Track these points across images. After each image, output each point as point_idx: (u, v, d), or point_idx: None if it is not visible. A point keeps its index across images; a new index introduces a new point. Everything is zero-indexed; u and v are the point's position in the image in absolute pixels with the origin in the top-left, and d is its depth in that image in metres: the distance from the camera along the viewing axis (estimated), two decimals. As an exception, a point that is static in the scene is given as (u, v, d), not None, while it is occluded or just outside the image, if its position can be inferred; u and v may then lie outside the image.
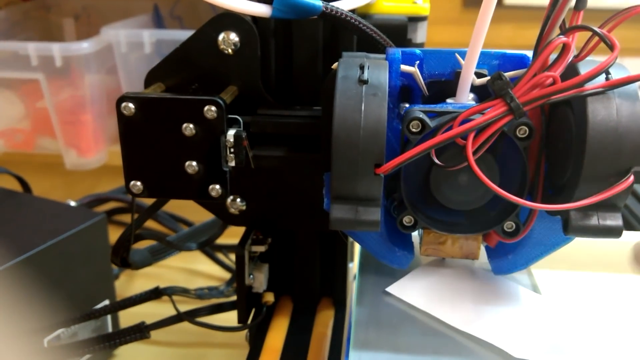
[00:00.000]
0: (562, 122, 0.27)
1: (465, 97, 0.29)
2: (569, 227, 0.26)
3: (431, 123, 0.27)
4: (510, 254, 0.30)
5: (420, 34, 0.39)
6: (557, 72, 0.24)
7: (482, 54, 0.30)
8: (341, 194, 0.26)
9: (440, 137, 0.25)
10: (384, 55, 0.30)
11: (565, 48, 0.24)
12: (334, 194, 0.26)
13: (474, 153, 0.25)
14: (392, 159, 0.26)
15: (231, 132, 0.31)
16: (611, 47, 0.24)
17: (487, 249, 0.31)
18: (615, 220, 0.25)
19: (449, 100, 0.31)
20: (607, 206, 0.25)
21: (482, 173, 0.24)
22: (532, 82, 0.24)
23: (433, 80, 0.31)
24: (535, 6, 0.79)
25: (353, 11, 0.34)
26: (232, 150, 0.31)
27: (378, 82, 0.26)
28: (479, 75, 0.29)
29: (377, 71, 0.26)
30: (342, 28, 0.34)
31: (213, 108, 0.30)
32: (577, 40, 0.26)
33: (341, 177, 0.26)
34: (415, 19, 0.38)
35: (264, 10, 0.30)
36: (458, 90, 0.30)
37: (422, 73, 0.31)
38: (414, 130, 0.27)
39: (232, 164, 0.31)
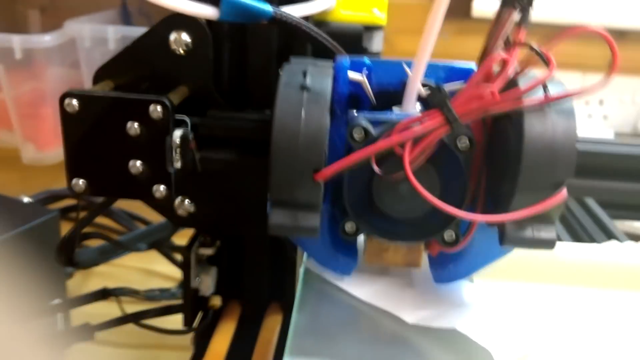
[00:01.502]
0: (502, 135, 0.27)
1: (411, 107, 0.29)
2: (505, 238, 0.26)
3: (374, 131, 0.27)
4: (452, 263, 0.31)
5: (376, 43, 0.39)
6: (497, 86, 0.25)
7: (430, 65, 0.30)
8: (280, 199, 0.26)
9: (376, 146, 0.25)
10: (332, 63, 0.30)
11: (504, 63, 0.25)
12: (273, 199, 0.26)
13: (413, 163, 0.25)
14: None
15: (177, 133, 0.31)
16: (547, 64, 0.24)
17: (430, 257, 0.32)
18: (549, 232, 0.26)
19: (395, 109, 0.31)
20: (541, 219, 0.26)
21: (418, 183, 0.25)
22: (470, 94, 0.25)
23: (382, 90, 0.31)
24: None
25: (307, 18, 0.34)
26: (178, 151, 0.31)
27: (320, 88, 0.26)
28: (426, 87, 0.29)
29: (319, 78, 0.26)
30: (294, 34, 0.34)
31: (159, 108, 0.30)
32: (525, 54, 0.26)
33: (280, 182, 0.26)
34: (371, 28, 0.39)
35: (211, 12, 0.30)
36: (404, 99, 0.30)
37: (371, 82, 0.31)
38: (357, 137, 0.27)
39: (178, 165, 0.31)
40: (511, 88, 0.25)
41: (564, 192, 0.25)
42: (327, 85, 0.26)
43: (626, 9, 0.85)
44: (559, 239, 0.45)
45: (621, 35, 0.87)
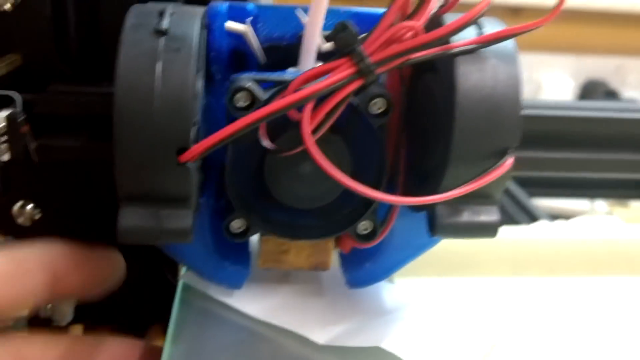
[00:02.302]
0: (426, 92, 0.21)
1: (310, 65, 0.23)
2: (436, 226, 0.20)
3: (263, 95, 0.20)
4: (368, 261, 0.24)
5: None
6: (420, 22, 0.19)
7: (331, 12, 0.24)
8: (134, 192, 0.19)
9: (264, 110, 0.18)
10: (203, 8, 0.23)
11: (427, -8, 0.19)
12: (122, 192, 0.19)
13: (315, 131, 0.19)
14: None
15: (2, 115, 0.23)
16: (482, -10, 0.18)
17: (341, 256, 0.25)
18: (490, 214, 0.20)
19: (291, 69, 0.24)
20: (481, 197, 0.20)
21: (323, 157, 0.18)
22: (386, 35, 0.18)
23: (273, 45, 0.24)
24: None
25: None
26: (5, 139, 0.23)
27: (183, 33, 0.19)
28: (328, 39, 0.23)
29: (183, 20, 0.19)
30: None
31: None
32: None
33: (130, 169, 0.18)
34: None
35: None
36: (301, 55, 0.23)
37: (258, 35, 0.24)
38: (240, 104, 0.20)
39: (6, 157, 0.23)
40: (436, 27, 0.19)
41: (508, 162, 0.19)
42: (193, 28, 0.19)
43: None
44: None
45: (515, 12, 0.86)
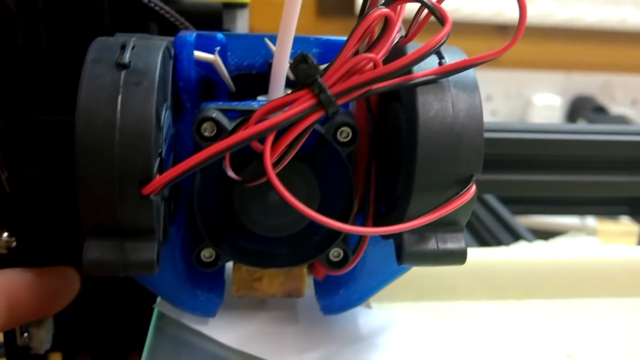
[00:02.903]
0: (393, 120, 0.21)
1: (279, 93, 0.23)
2: (402, 254, 0.20)
3: (229, 125, 0.20)
4: (342, 288, 0.24)
5: (241, 23, 0.33)
6: (380, 54, 0.19)
7: (300, 40, 0.24)
8: (98, 225, 0.19)
9: (225, 142, 0.18)
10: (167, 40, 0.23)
11: (388, 23, 0.19)
12: (86, 226, 0.19)
13: (279, 162, 0.19)
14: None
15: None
16: (442, 21, 0.19)
17: (316, 283, 0.25)
18: (457, 242, 0.20)
19: (260, 98, 0.25)
20: (447, 225, 0.20)
21: (285, 189, 0.18)
22: (347, 66, 0.18)
23: (243, 73, 0.25)
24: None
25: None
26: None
27: (145, 66, 0.19)
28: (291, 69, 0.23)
29: (145, 52, 0.19)
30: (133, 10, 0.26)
31: None
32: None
33: (92, 202, 0.18)
34: (232, 6, 0.32)
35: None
36: (270, 84, 0.24)
37: (227, 63, 0.24)
38: (206, 134, 0.20)
39: None
40: (398, 57, 0.19)
41: (472, 189, 0.19)
42: (155, 61, 0.19)
43: (507, 3, 0.85)
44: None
45: (502, 30, 0.87)
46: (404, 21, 0.20)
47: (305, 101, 0.18)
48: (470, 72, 0.20)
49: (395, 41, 0.20)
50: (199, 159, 0.18)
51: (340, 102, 0.18)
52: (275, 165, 0.19)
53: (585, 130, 0.37)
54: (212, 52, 0.23)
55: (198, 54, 0.23)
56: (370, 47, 0.19)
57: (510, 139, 0.33)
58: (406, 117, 0.20)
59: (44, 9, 0.26)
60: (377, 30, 0.20)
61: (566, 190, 0.36)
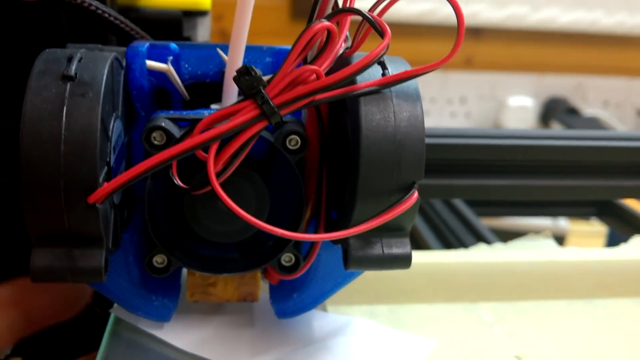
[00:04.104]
0: (341, 129, 0.22)
1: (232, 101, 0.23)
2: (349, 259, 0.20)
3: (178, 133, 0.21)
4: (296, 292, 0.25)
5: (202, 32, 0.33)
6: (323, 66, 0.19)
7: (252, 49, 0.24)
8: (45, 233, 0.19)
9: (170, 151, 0.18)
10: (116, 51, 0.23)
11: (330, 36, 0.19)
12: (33, 234, 0.19)
13: (224, 171, 0.19)
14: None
15: None
16: (381, 34, 0.19)
17: (271, 287, 0.26)
18: (402, 247, 0.21)
19: (213, 106, 0.25)
20: (392, 230, 0.21)
21: (229, 197, 0.18)
22: (290, 77, 0.19)
23: (197, 82, 0.25)
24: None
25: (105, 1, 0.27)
26: None
27: (91, 78, 0.19)
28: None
29: (92, 64, 0.19)
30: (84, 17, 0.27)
31: None
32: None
33: (39, 210, 0.18)
34: (193, 14, 0.32)
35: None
36: (223, 93, 0.24)
37: (180, 72, 0.24)
38: (156, 142, 0.21)
39: None
40: (344, 67, 0.20)
41: (415, 195, 0.20)
42: (101, 72, 0.19)
43: (481, 7, 0.86)
44: (428, 247, 0.41)
45: (477, 32, 0.88)
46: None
47: (249, 112, 0.19)
48: (412, 82, 0.20)
49: (341, 52, 0.21)
50: (143, 167, 0.18)
51: (283, 112, 0.19)
52: (220, 174, 0.19)
53: (555, 135, 0.38)
54: (165, 61, 0.24)
55: (150, 63, 0.23)
56: (313, 59, 0.19)
57: (480, 145, 0.34)
58: (350, 126, 0.20)
59: (0, 19, 0.27)
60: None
61: (535, 195, 0.37)
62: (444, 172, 0.36)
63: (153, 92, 0.24)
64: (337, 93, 0.19)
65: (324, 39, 0.20)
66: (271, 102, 0.19)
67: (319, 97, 0.19)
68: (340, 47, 0.20)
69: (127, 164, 0.23)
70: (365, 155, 0.19)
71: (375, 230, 0.20)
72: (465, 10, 0.86)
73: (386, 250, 0.21)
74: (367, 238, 0.20)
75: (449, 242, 0.41)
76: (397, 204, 0.20)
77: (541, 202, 0.50)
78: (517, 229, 0.71)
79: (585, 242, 0.74)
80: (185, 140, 0.19)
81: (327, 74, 0.20)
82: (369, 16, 0.19)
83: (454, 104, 0.91)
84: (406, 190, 0.20)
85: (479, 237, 0.41)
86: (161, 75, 0.24)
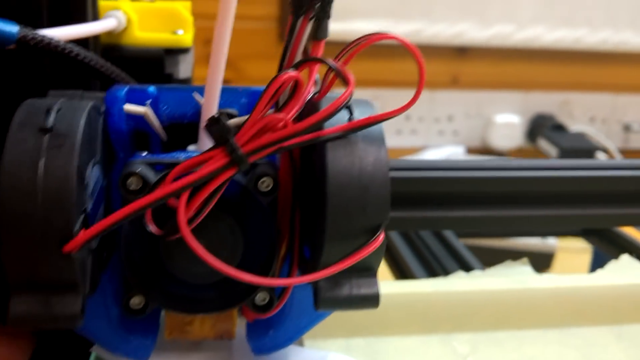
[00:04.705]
0: (311, 171, 0.22)
1: (208, 143, 0.24)
2: (319, 301, 0.21)
3: (154, 178, 0.21)
4: (272, 329, 0.25)
5: (184, 68, 0.34)
6: (291, 113, 0.20)
7: (228, 91, 0.25)
8: (23, 281, 0.19)
9: (140, 202, 0.19)
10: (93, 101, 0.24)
11: (297, 85, 0.20)
12: (12, 281, 0.19)
13: (197, 216, 0.20)
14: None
15: None
16: (346, 82, 0.20)
17: (247, 324, 0.26)
18: (370, 287, 0.21)
19: (190, 147, 0.26)
20: (361, 270, 0.21)
21: (199, 244, 0.19)
22: (258, 125, 0.20)
23: (175, 124, 0.26)
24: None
25: (87, 42, 0.28)
26: None
27: (67, 129, 0.20)
28: (229, 116, 0.24)
29: (69, 114, 0.20)
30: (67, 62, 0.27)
31: None
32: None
33: (16, 260, 0.19)
34: (174, 52, 0.33)
35: None
36: (200, 135, 0.25)
37: (160, 114, 0.25)
38: (132, 188, 0.21)
39: None
40: (313, 112, 0.20)
41: (381, 237, 0.21)
42: (77, 123, 0.20)
43: (466, 27, 0.87)
44: (412, 276, 0.42)
45: (462, 51, 0.89)
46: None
47: (219, 160, 0.19)
48: (378, 127, 0.21)
49: (309, 97, 0.22)
50: (117, 217, 0.19)
51: (252, 159, 0.20)
52: (192, 220, 0.20)
53: (536, 166, 0.38)
54: (143, 104, 0.24)
55: (128, 107, 0.24)
56: (281, 107, 0.20)
57: (461, 177, 0.34)
58: (318, 171, 0.21)
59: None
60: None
61: (519, 225, 0.38)
62: (428, 205, 0.37)
63: (132, 134, 0.25)
64: (305, 139, 0.20)
65: (293, 86, 0.20)
66: (239, 151, 0.19)
67: (287, 143, 0.20)
68: (309, 93, 0.21)
69: (107, 206, 0.24)
70: (332, 200, 0.20)
71: (344, 271, 0.21)
72: (451, 30, 0.88)
73: (355, 291, 0.21)
74: (336, 279, 0.21)
75: (431, 266, 0.41)
76: (364, 246, 0.20)
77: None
78: (504, 246, 0.72)
79: (574, 258, 0.74)
80: (157, 189, 0.19)
81: (298, 117, 0.20)
82: (334, 65, 0.20)
83: (441, 123, 0.92)
84: (373, 232, 0.20)
85: (460, 262, 0.42)
86: (140, 117, 0.25)
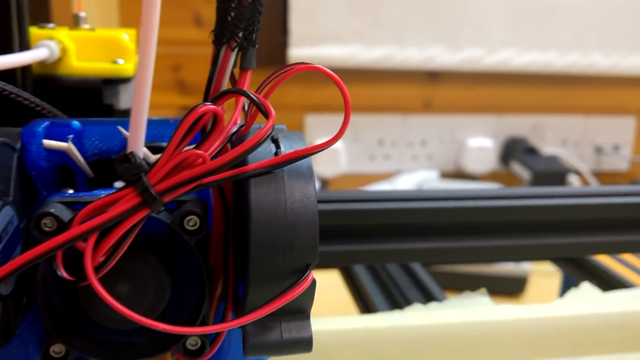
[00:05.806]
0: (240, 208, 0.21)
1: (136, 178, 0.23)
2: (246, 347, 0.20)
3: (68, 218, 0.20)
4: (208, 374, 0.24)
5: (125, 98, 0.33)
6: (211, 149, 0.19)
7: (157, 123, 0.24)
8: None
9: (46, 245, 0.18)
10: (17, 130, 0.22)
11: (217, 119, 0.19)
12: None
13: (107, 261, 0.19)
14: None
15: None
16: (266, 115, 0.19)
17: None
18: (302, 330, 0.20)
19: (116, 184, 0.24)
20: (291, 313, 0.20)
21: (104, 291, 0.18)
22: (173, 162, 0.18)
23: (101, 159, 0.24)
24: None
25: (11, 73, 0.27)
26: None
27: (-33, 169, 0.18)
28: (157, 149, 0.23)
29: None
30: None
31: None
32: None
33: None
34: (114, 81, 0.32)
35: None
36: (127, 170, 0.24)
37: (84, 149, 0.24)
38: (47, 229, 0.20)
39: None
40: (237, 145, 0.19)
41: (310, 277, 0.19)
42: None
43: (437, 51, 0.87)
44: (375, 308, 0.40)
45: (433, 76, 0.89)
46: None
47: (129, 200, 0.18)
48: (306, 161, 0.20)
49: (234, 130, 0.20)
50: (20, 261, 0.18)
51: (166, 198, 0.18)
52: (103, 264, 0.18)
53: (506, 195, 0.37)
54: (66, 139, 0.23)
55: (48, 142, 0.23)
56: (199, 143, 0.19)
57: (428, 208, 0.33)
58: (242, 209, 0.20)
59: None
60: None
61: (490, 255, 0.36)
62: (394, 236, 0.35)
63: (55, 171, 0.23)
64: (226, 176, 0.19)
65: (212, 119, 0.19)
66: (152, 190, 0.18)
67: (205, 180, 0.18)
68: (233, 125, 0.20)
69: (26, 247, 0.22)
70: (255, 239, 0.19)
71: (274, 314, 0.19)
72: (421, 54, 0.88)
73: (285, 335, 0.20)
74: (264, 323, 0.20)
75: (393, 297, 0.40)
76: (292, 287, 0.19)
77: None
78: (478, 272, 0.71)
79: (547, 282, 0.73)
80: (63, 232, 0.18)
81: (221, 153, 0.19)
82: (255, 97, 0.19)
83: (414, 147, 0.91)
84: (301, 272, 0.19)
85: (423, 292, 0.40)
86: (63, 153, 0.23)
